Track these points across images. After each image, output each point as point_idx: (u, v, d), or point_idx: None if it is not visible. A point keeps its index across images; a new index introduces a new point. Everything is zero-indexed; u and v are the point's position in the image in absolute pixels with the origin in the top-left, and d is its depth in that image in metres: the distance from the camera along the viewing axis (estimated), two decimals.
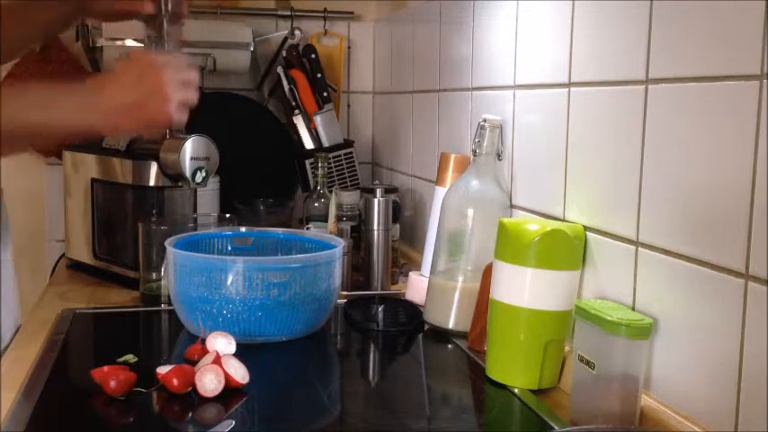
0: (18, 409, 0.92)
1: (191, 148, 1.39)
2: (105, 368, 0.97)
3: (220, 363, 0.98)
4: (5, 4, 1.35)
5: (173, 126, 1.20)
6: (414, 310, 1.34)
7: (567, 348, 1.03)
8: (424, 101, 1.70)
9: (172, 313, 1.26)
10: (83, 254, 1.60)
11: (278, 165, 1.99)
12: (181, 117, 1.12)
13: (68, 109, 1.06)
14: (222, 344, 1.06)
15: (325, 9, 2.06)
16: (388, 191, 1.58)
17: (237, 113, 1.99)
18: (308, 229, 1.57)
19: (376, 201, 1.50)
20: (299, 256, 1.31)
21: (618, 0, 0.95)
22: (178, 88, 1.08)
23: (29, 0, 1.40)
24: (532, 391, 1.01)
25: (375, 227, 1.50)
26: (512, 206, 1.25)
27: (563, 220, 1.08)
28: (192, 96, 1.11)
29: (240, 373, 0.98)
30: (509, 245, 1.02)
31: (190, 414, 0.94)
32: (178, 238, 1.28)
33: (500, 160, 1.25)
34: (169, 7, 1.36)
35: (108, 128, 1.14)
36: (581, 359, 0.91)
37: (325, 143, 1.95)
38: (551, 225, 1.01)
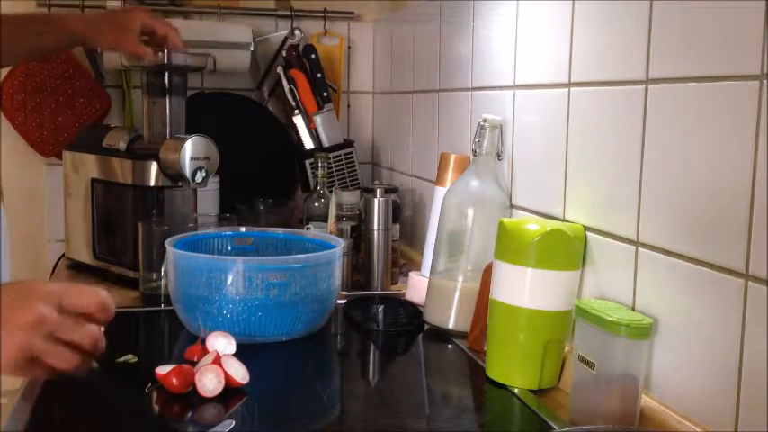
0: (18, 409, 0.92)
1: (191, 148, 1.39)
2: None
3: (220, 363, 0.98)
4: (6, 16, 1.36)
5: None
6: (414, 310, 1.34)
7: (567, 348, 1.03)
8: (424, 101, 1.70)
9: (172, 313, 1.26)
10: (83, 254, 1.60)
11: (278, 165, 1.99)
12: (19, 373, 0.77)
13: None
14: (222, 344, 1.06)
15: (325, 9, 2.06)
16: (388, 191, 1.58)
17: (237, 113, 1.99)
18: (308, 229, 1.57)
19: (376, 201, 1.50)
20: (298, 256, 1.31)
21: (618, 0, 0.95)
22: (55, 342, 0.76)
23: (27, 22, 1.41)
24: (532, 391, 1.01)
25: (375, 227, 1.50)
26: (512, 206, 1.25)
27: (563, 220, 1.08)
28: (71, 362, 0.77)
29: (240, 373, 0.98)
30: (509, 245, 1.02)
31: (190, 414, 0.94)
32: (178, 238, 1.28)
33: (500, 160, 1.25)
34: (170, 61, 1.40)
35: None
36: (581, 359, 0.91)
37: (326, 143, 1.95)
38: (551, 225, 1.01)
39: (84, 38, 1.42)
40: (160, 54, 1.40)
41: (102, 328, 0.81)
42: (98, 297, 0.80)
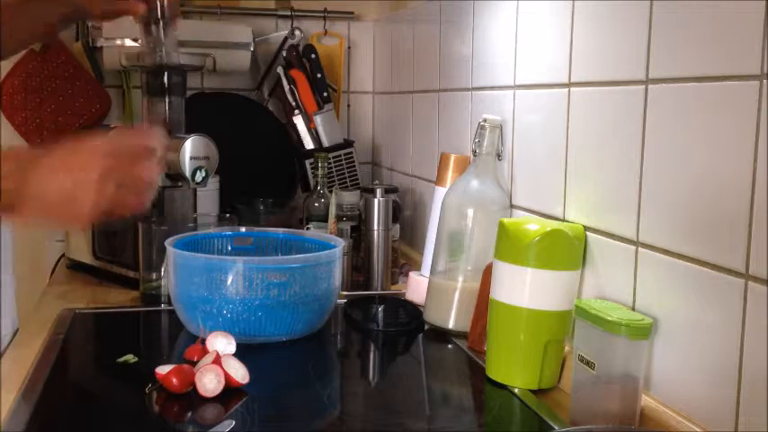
0: (18, 409, 0.92)
1: (190, 147, 1.39)
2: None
3: (220, 363, 0.98)
4: (6, 1, 1.35)
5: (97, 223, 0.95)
6: (414, 310, 1.34)
7: (566, 348, 1.03)
8: (424, 101, 1.70)
9: (172, 313, 1.26)
10: (83, 254, 1.60)
11: (278, 165, 1.99)
12: (114, 216, 0.90)
13: None
14: (222, 344, 1.06)
15: (326, 9, 2.06)
16: (388, 191, 1.58)
17: (237, 113, 1.99)
18: (308, 229, 1.57)
19: (376, 201, 1.50)
20: (298, 256, 1.31)
21: (618, 0, 0.95)
22: (122, 187, 0.88)
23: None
24: (532, 391, 1.01)
25: (375, 227, 1.50)
26: (512, 206, 1.25)
27: (563, 220, 1.08)
28: (139, 201, 0.90)
29: (240, 373, 0.98)
30: (509, 245, 1.02)
31: (190, 414, 0.94)
32: (178, 238, 1.28)
33: (500, 160, 1.25)
34: (164, 12, 1.38)
35: (16, 219, 0.89)
36: (581, 359, 0.91)
37: (326, 143, 1.95)
38: (551, 225, 1.01)
39: (83, 7, 1.42)
40: (159, 54, 1.40)
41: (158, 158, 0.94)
42: (148, 135, 0.94)
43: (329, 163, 1.90)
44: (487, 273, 1.12)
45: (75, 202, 0.85)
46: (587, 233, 1.03)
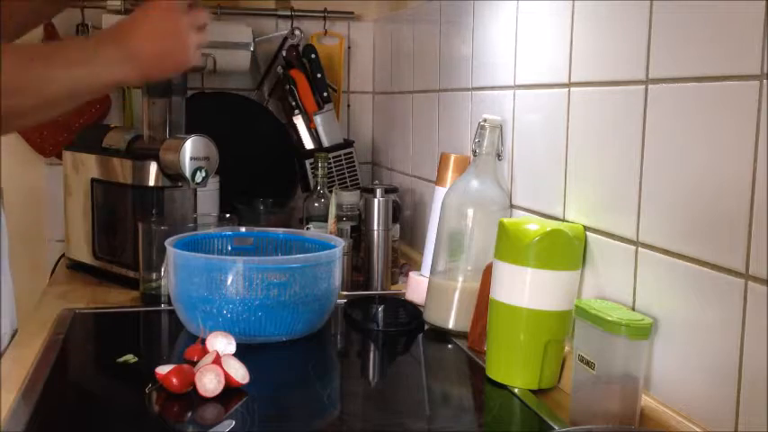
0: (18, 409, 0.92)
1: (190, 147, 1.39)
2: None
3: (220, 363, 0.98)
4: None
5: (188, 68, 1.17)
6: (414, 310, 1.34)
7: (566, 348, 1.03)
8: (424, 101, 1.70)
9: (172, 313, 1.26)
10: (83, 254, 1.60)
11: (278, 165, 1.99)
12: (197, 59, 1.15)
13: (106, 62, 1.03)
14: (222, 344, 1.06)
15: (326, 9, 2.06)
16: (388, 191, 1.58)
17: (237, 113, 1.99)
18: (308, 229, 1.57)
19: (376, 201, 1.50)
20: (299, 256, 1.31)
21: (618, 0, 0.95)
22: (195, 32, 1.11)
23: None
24: (532, 391, 1.01)
25: (375, 227, 1.50)
26: (512, 206, 1.25)
27: (563, 220, 1.08)
28: (204, 38, 1.15)
29: (240, 373, 0.98)
30: (509, 245, 1.02)
31: (190, 414, 0.94)
32: (178, 238, 1.28)
33: (500, 160, 1.25)
34: None
35: (139, 78, 1.10)
36: (581, 359, 0.91)
37: (326, 143, 1.95)
38: (551, 225, 1.01)
39: None
40: None
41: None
42: None
43: (329, 163, 1.90)
44: (487, 273, 1.12)
45: (174, 55, 1.08)
46: (587, 233, 1.03)
